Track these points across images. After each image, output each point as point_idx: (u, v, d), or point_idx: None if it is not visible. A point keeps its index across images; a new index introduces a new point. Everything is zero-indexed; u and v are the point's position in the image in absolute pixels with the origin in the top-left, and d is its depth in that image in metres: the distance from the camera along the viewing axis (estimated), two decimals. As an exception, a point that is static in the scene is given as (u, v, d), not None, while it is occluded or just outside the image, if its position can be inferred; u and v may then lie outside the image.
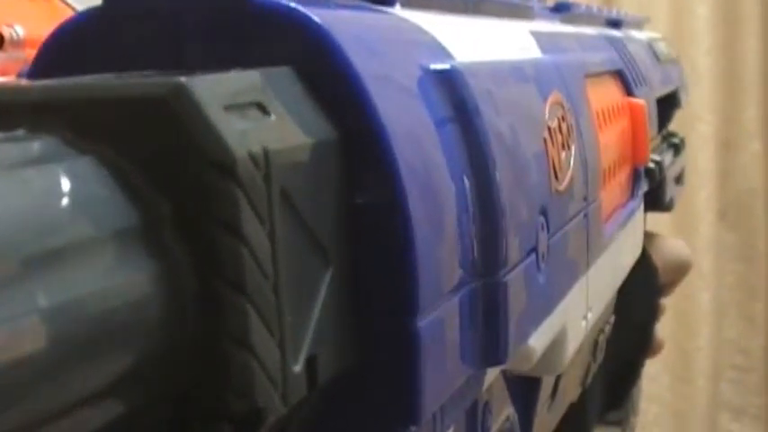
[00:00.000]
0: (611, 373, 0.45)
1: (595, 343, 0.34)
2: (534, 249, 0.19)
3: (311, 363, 0.12)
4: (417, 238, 0.13)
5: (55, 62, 0.14)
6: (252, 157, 0.11)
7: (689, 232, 1.37)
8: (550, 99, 0.21)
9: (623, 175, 0.33)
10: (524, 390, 0.24)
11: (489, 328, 0.16)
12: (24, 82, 0.13)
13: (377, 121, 0.13)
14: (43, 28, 0.36)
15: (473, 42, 0.20)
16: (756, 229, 1.42)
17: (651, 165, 0.43)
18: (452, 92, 0.16)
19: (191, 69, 0.13)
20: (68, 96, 0.11)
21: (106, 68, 0.13)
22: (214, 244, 0.10)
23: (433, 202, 0.15)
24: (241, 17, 0.13)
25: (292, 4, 0.13)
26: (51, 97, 0.11)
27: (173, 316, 0.10)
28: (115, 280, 0.10)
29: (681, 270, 0.52)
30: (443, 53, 0.17)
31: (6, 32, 0.34)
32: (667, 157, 0.50)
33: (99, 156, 0.10)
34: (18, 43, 0.34)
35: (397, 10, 0.19)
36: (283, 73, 0.13)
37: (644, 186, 0.39)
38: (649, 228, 0.50)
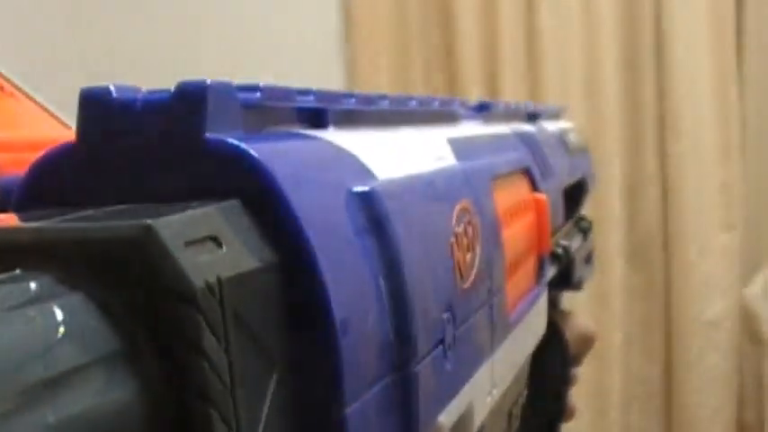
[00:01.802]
0: None
1: (510, 414, 0.36)
2: (441, 341, 0.21)
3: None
4: (343, 337, 0.16)
5: (39, 189, 0.16)
6: (209, 286, 0.13)
7: (602, 276, 1.48)
8: (458, 207, 0.24)
9: (529, 264, 0.36)
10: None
11: (404, 413, 0.19)
12: (16, 223, 0.15)
13: (308, 244, 0.16)
14: (14, 132, 0.37)
15: (394, 159, 0.22)
16: (655, 270, 1.54)
17: (558, 250, 0.47)
18: (371, 210, 0.19)
19: (154, 203, 0.15)
20: (56, 238, 0.13)
21: (83, 196, 0.16)
22: (182, 362, 0.13)
23: (357, 305, 0.17)
24: (195, 152, 0.16)
25: (237, 142, 0.16)
26: (41, 239, 0.13)
27: (153, 424, 0.13)
28: (106, 397, 0.12)
29: (587, 343, 0.56)
30: (366, 174, 0.20)
31: None
32: (576, 241, 0.53)
33: (86, 291, 0.13)
34: None
35: (330, 132, 0.21)
36: (232, 206, 0.15)
37: (550, 272, 0.43)
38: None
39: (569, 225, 0.54)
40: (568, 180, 0.51)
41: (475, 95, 1.49)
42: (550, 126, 0.52)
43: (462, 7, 1.49)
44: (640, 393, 1.55)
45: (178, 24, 1.41)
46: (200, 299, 0.13)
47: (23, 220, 0.15)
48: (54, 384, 0.11)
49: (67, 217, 0.14)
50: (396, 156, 0.23)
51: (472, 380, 0.24)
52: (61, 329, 0.12)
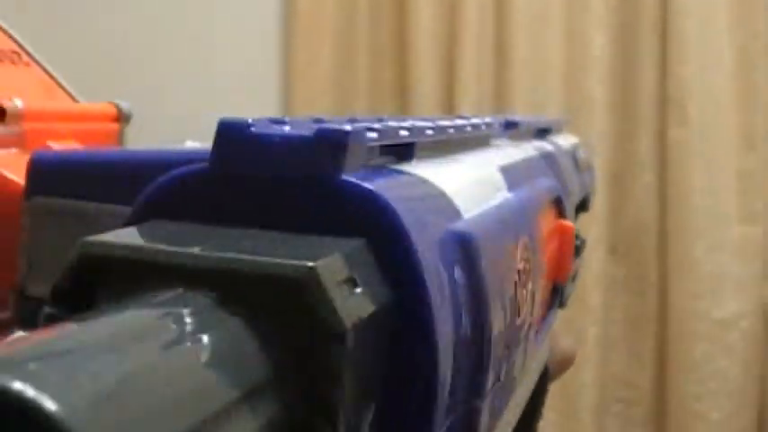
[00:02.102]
0: None
1: None
2: (498, 377, 0.22)
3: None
4: (441, 383, 0.17)
5: (163, 207, 0.17)
6: (355, 327, 0.14)
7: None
8: (520, 244, 0.25)
9: (548, 291, 0.37)
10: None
11: None
12: (174, 241, 0.15)
13: (425, 288, 0.17)
14: (38, 101, 0.38)
15: (470, 193, 0.23)
16: (647, 264, 1.43)
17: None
18: (465, 250, 0.19)
19: (280, 228, 0.16)
20: (218, 266, 0.14)
21: (211, 220, 0.16)
22: (325, 395, 0.14)
23: (449, 348, 0.18)
24: (330, 192, 0.17)
25: (369, 185, 0.17)
26: (204, 265, 0.14)
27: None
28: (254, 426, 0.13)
29: (566, 363, 0.57)
30: (454, 211, 0.21)
31: (8, 105, 0.34)
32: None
33: (243, 320, 0.13)
34: (18, 116, 0.35)
35: (415, 165, 0.22)
36: (361, 246, 0.16)
37: (560, 297, 0.44)
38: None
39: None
40: (578, 198, 0.52)
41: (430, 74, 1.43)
42: (563, 143, 0.53)
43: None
44: (623, 397, 1.46)
45: (116, 14, 1.40)
46: (348, 339, 0.14)
47: (158, 237, 0.16)
48: (215, 419, 0.12)
49: (226, 241, 0.15)
50: (469, 190, 0.24)
51: (502, 419, 0.25)
52: (213, 363, 0.12)
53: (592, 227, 1.37)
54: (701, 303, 1.40)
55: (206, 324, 0.13)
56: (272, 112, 1.47)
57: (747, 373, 1.42)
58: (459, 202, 0.22)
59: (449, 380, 0.18)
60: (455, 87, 1.43)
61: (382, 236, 0.17)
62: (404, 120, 0.26)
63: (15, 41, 0.40)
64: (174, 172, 0.17)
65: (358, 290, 0.15)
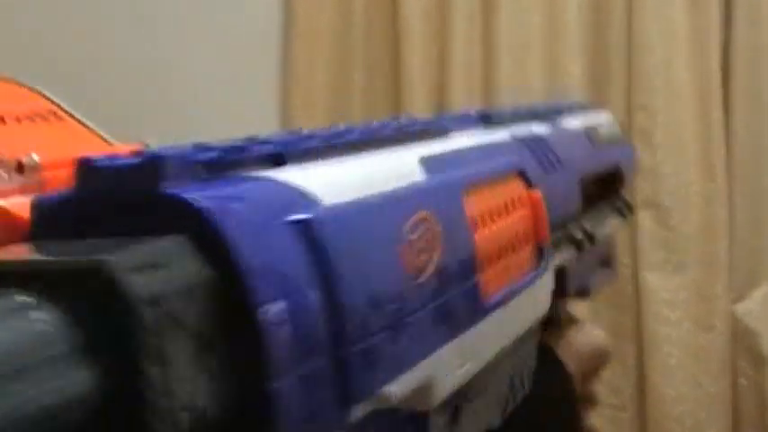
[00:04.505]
0: None
1: (512, 381, 0.40)
2: (388, 326, 0.26)
3: (200, 413, 0.20)
4: (271, 329, 0.21)
5: (45, 227, 0.22)
6: (147, 301, 0.18)
7: None
8: (414, 218, 0.29)
9: (524, 253, 0.39)
10: (418, 422, 0.31)
11: (338, 385, 0.23)
12: (19, 253, 0.20)
13: (240, 262, 0.21)
14: (59, 152, 0.43)
15: (344, 185, 0.27)
16: (623, 279, 1.50)
17: (578, 235, 0.50)
18: (306, 234, 0.23)
19: (123, 237, 0.21)
20: (38, 268, 0.19)
21: (77, 232, 0.21)
22: (129, 354, 0.18)
23: (288, 303, 0.22)
24: (154, 202, 0.21)
25: (183, 195, 0.21)
26: (30, 268, 0.19)
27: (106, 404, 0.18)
28: (68, 381, 0.17)
29: (600, 358, 0.54)
30: (309, 203, 0.25)
31: (25, 160, 0.39)
32: (606, 225, 0.56)
33: (58, 305, 0.18)
34: (35, 168, 0.39)
35: (283, 170, 0.26)
36: (178, 239, 0.21)
37: (561, 255, 0.46)
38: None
39: (600, 209, 0.57)
40: (591, 170, 0.54)
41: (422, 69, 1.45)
42: (572, 122, 0.55)
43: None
44: (611, 402, 1.52)
45: (116, 19, 1.45)
46: (139, 309, 0.18)
47: (30, 251, 0.21)
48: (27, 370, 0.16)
49: (52, 249, 0.20)
50: (347, 182, 0.27)
51: (433, 356, 0.29)
52: (34, 330, 0.17)
53: None
54: (674, 313, 1.47)
55: (28, 308, 0.18)
56: (271, 116, 1.51)
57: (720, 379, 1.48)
58: (319, 194, 0.25)
59: (290, 336, 0.22)
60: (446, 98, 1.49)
61: (199, 230, 0.21)
62: (312, 134, 0.30)
63: (51, 101, 0.46)
64: (52, 197, 0.22)
65: (158, 272, 0.19)
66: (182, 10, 1.53)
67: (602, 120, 0.64)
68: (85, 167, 0.22)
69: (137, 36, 1.49)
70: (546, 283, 0.42)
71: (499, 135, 0.44)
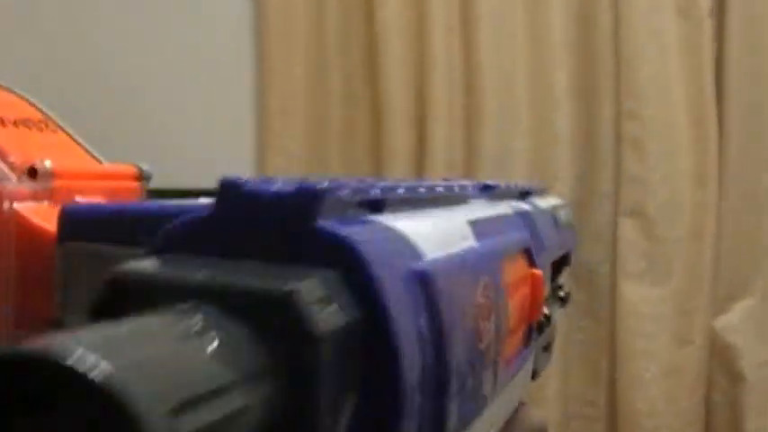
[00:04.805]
0: None
1: None
2: (464, 387, 0.25)
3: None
4: (407, 390, 0.20)
5: (175, 245, 0.21)
6: (328, 335, 0.18)
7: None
8: (481, 283, 0.29)
9: (521, 330, 0.40)
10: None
11: None
12: (188, 268, 0.19)
13: (387, 308, 0.20)
14: (66, 162, 0.42)
15: (434, 239, 0.27)
16: (600, 290, 1.48)
17: (542, 317, 0.51)
18: (425, 287, 0.23)
19: (270, 263, 0.20)
20: (221, 284, 0.18)
21: (212, 255, 0.20)
22: (306, 388, 0.17)
23: (414, 363, 0.21)
24: (309, 235, 0.20)
25: (345, 233, 0.20)
26: (211, 283, 0.18)
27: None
28: (245, 411, 0.16)
29: None
30: (416, 253, 0.24)
31: (39, 166, 0.39)
32: (555, 310, 0.57)
33: (242, 325, 0.17)
34: (47, 175, 0.39)
35: (385, 216, 0.26)
36: (333, 275, 0.20)
37: (536, 336, 0.47)
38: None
39: (548, 292, 0.58)
40: (557, 254, 0.55)
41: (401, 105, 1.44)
42: (543, 203, 0.57)
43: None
44: (585, 414, 1.50)
45: (88, 23, 1.44)
46: (323, 343, 0.17)
47: (172, 265, 0.20)
48: (209, 394, 0.15)
49: (229, 268, 0.19)
50: (435, 237, 0.27)
51: (477, 423, 0.29)
52: (216, 352, 0.16)
53: None
54: (652, 326, 1.44)
55: (211, 326, 0.17)
56: (246, 129, 1.49)
57: (695, 394, 1.45)
58: (422, 245, 0.25)
59: (413, 379, 0.21)
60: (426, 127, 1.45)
61: (351, 268, 0.20)
62: (382, 180, 0.30)
63: (42, 112, 0.45)
64: (186, 216, 0.21)
65: (331, 307, 0.19)
66: (151, 19, 1.49)
67: (559, 203, 0.67)
68: (233, 190, 0.21)
69: (117, 49, 1.44)
70: (531, 361, 0.43)
71: (503, 208, 0.44)
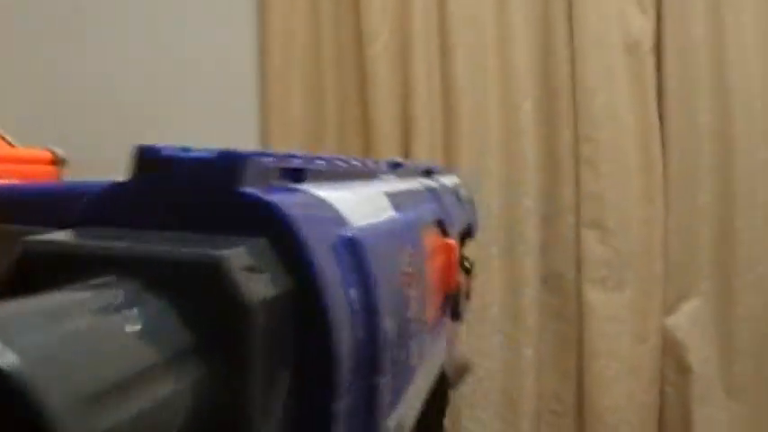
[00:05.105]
0: None
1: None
2: (396, 360, 0.24)
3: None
4: (339, 353, 0.19)
5: (92, 218, 0.19)
6: (258, 304, 0.16)
7: (516, 294, 1.51)
8: (405, 251, 0.28)
9: (439, 297, 0.39)
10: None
11: (367, 414, 0.22)
12: (104, 239, 0.17)
13: (319, 275, 0.19)
14: None
15: (358, 210, 0.25)
16: (570, 293, 1.57)
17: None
18: (354, 254, 0.22)
19: (191, 230, 0.18)
20: (146, 255, 0.16)
21: (136, 224, 0.18)
22: (238, 358, 0.16)
23: (346, 329, 0.20)
24: (233, 200, 0.19)
25: (271, 199, 0.19)
26: (135, 254, 0.16)
27: (207, 403, 0.15)
28: (177, 386, 0.15)
29: (464, 371, 0.60)
30: (343, 221, 0.23)
31: None
32: (462, 279, 0.57)
33: (167, 299, 0.15)
34: None
35: (308, 186, 0.24)
36: (262, 243, 0.18)
37: (451, 304, 0.47)
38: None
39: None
40: (462, 226, 0.55)
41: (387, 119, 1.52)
42: (446, 181, 0.57)
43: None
44: (555, 408, 1.58)
45: (98, 49, 1.40)
46: (254, 313, 0.16)
47: (89, 236, 0.18)
48: (132, 381, 0.13)
49: (149, 238, 0.17)
50: (358, 207, 0.26)
51: (407, 394, 0.28)
52: (140, 331, 0.14)
53: (527, 260, 1.51)
54: (613, 326, 1.54)
55: (133, 301, 0.15)
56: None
57: (651, 388, 1.55)
58: (347, 214, 0.24)
59: (347, 357, 0.20)
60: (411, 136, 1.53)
61: (280, 236, 0.19)
62: (301, 154, 0.28)
63: None
64: (103, 187, 0.19)
65: (261, 276, 0.17)
66: (159, 47, 1.44)
67: (459, 181, 0.67)
68: (149, 157, 0.19)
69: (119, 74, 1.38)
70: (447, 329, 0.42)
71: (413, 184, 0.44)
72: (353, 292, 0.21)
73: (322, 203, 0.23)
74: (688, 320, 1.59)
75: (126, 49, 1.42)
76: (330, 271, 0.20)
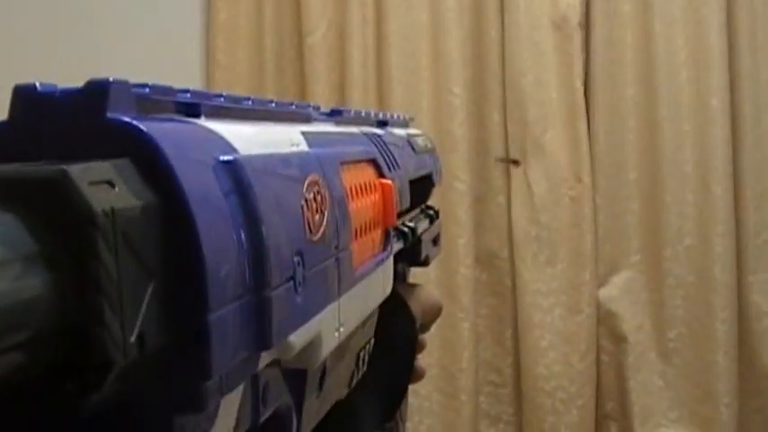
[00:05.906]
0: (384, 394, 0.53)
1: (358, 356, 0.41)
2: (292, 278, 0.25)
3: (141, 337, 0.18)
4: (209, 264, 0.20)
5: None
6: (105, 213, 0.17)
7: (451, 273, 1.52)
8: (308, 179, 0.28)
9: (376, 234, 0.40)
10: (295, 381, 0.31)
11: (259, 327, 0.23)
12: None
13: (182, 191, 0.20)
14: None
15: (254, 141, 0.26)
16: (504, 270, 1.61)
17: (405, 229, 0.51)
18: (234, 174, 0.22)
19: (67, 159, 0.19)
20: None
21: (15, 159, 0.19)
22: (85, 265, 0.16)
23: (221, 241, 0.21)
24: (99, 127, 0.20)
25: (134, 122, 0.20)
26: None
27: (59, 309, 0.16)
28: (25, 284, 0.15)
29: (434, 312, 0.60)
30: (231, 149, 0.24)
31: None
32: (422, 224, 0.58)
33: (15, 212, 0.16)
34: None
35: (201, 120, 0.25)
36: (124, 163, 0.19)
37: (396, 245, 0.47)
38: (419, 272, 0.61)
39: (417, 211, 0.59)
40: (415, 174, 0.56)
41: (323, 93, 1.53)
42: (398, 131, 0.57)
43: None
44: (492, 380, 1.63)
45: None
46: (99, 221, 0.17)
47: None
48: None
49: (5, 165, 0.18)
50: (256, 140, 0.27)
51: (320, 315, 0.28)
52: None
53: (461, 240, 1.55)
54: (544, 300, 1.58)
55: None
56: None
57: (587, 357, 1.59)
58: (238, 144, 0.25)
59: (220, 266, 0.21)
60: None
61: (143, 155, 0.19)
62: (220, 94, 0.29)
63: None
64: None
65: (115, 189, 0.18)
66: (104, 49, 1.45)
67: (417, 133, 0.67)
68: (26, 94, 0.20)
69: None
70: (390, 265, 0.43)
71: (350, 129, 0.44)
72: (234, 207, 0.22)
73: (209, 133, 0.24)
74: (620, 292, 1.61)
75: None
76: (201, 187, 0.21)
